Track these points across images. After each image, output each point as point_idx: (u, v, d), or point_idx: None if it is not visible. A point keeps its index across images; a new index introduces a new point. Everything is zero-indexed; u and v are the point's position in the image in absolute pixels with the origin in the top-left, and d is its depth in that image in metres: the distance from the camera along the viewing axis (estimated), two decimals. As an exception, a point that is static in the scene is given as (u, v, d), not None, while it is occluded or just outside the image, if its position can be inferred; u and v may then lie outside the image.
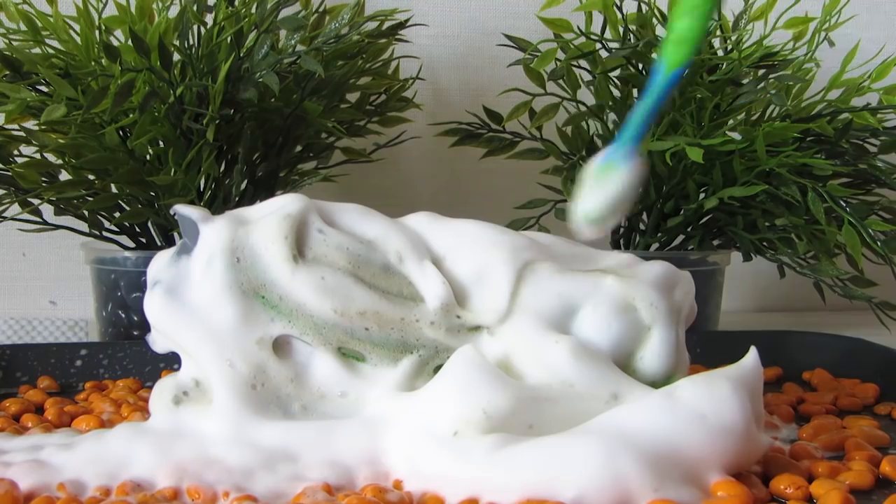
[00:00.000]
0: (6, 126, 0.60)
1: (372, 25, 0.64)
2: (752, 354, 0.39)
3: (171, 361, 0.54)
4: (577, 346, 0.39)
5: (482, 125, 0.70)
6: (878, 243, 0.60)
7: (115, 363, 0.56)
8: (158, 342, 0.42)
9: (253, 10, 0.58)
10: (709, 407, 0.36)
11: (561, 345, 0.39)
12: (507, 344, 0.40)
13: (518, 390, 0.38)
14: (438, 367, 0.41)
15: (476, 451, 0.36)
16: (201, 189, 0.62)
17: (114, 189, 0.62)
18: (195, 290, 0.41)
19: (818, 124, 0.61)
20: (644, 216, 0.70)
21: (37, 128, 0.60)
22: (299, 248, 0.41)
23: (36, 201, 0.60)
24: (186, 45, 0.59)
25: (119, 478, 0.37)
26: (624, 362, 0.41)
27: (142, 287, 0.60)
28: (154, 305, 0.41)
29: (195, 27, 0.60)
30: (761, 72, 0.63)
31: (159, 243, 0.65)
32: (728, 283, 0.72)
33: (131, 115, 0.57)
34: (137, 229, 0.65)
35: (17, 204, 0.60)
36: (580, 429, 0.36)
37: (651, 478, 0.34)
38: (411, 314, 0.41)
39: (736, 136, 0.63)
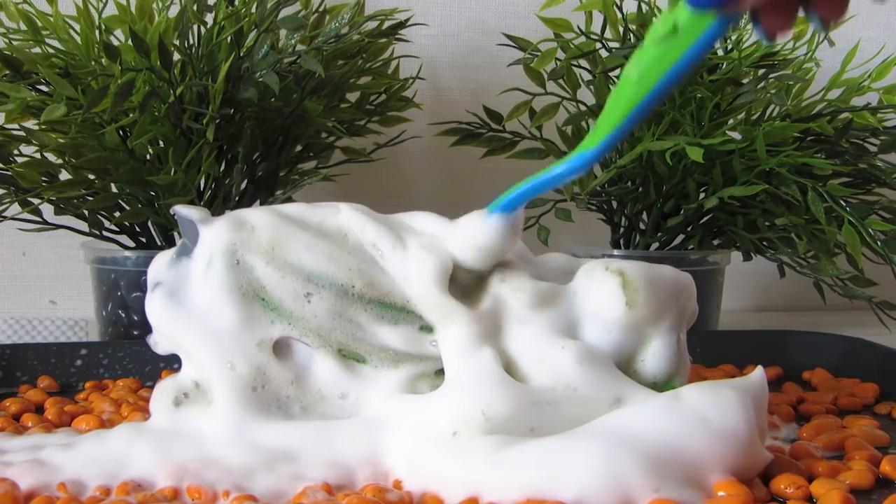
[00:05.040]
0: (6, 126, 0.60)
1: (372, 25, 0.64)
2: (759, 371, 0.39)
3: (171, 361, 0.54)
4: (583, 351, 0.39)
5: (482, 125, 0.70)
6: (878, 243, 0.60)
7: (115, 363, 0.56)
8: (160, 344, 0.42)
9: (253, 10, 0.58)
10: (713, 411, 0.36)
11: (567, 350, 0.39)
12: (515, 348, 0.40)
13: (519, 394, 0.38)
14: (440, 370, 0.41)
15: (476, 452, 0.36)
16: (201, 189, 0.62)
17: (114, 189, 0.62)
18: (196, 292, 0.41)
19: (818, 124, 0.61)
20: (644, 216, 0.70)
21: (37, 127, 0.60)
22: None
23: (36, 201, 0.60)
24: (186, 45, 0.59)
25: (119, 478, 0.37)
26: (626, 364, 0.41)
27: (142, 287, 0.60)
28: (155, 308, 0.41)
29: (195, 27, 0.60)
30: (761, 71, 0.63)
31: (159, 243, 0.65)
32: (728, 282, 0.72)
33: (131, 115, 0.57)
34: (137, 229, 0.65)
35: (17, 203, 0.60)
36: (581, 429, 0.36)
37: (651, 478, 0.34)
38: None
39: (736, 135, 0.63)
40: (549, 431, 0.37)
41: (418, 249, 0.41)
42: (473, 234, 0.41)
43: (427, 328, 0.41)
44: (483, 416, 0.37)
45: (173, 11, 0.60)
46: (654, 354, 0.41)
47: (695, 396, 0.36)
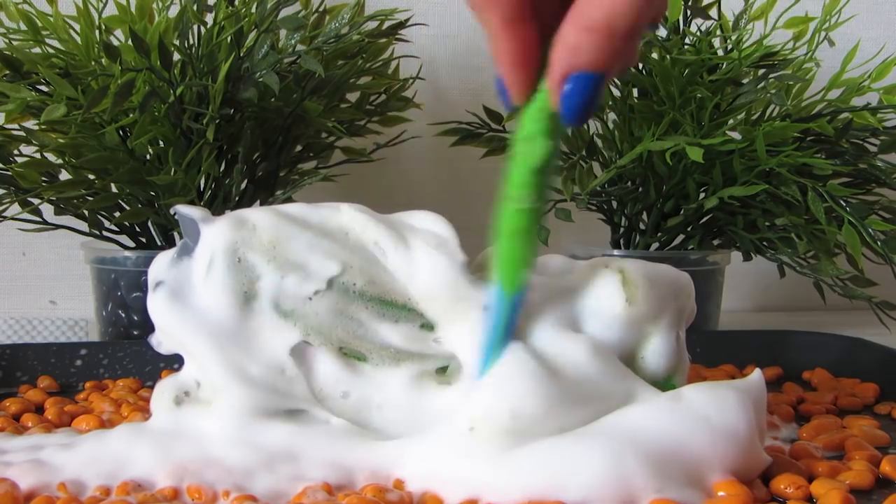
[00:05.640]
0: (6, 126, 0.60)
1: (372, 25, 0.64)
2: (757, 373, 0.39)
3: (172, 361, 0.54)
4: (597, 347, 0.39)
5: (482, 125, 0.70)
6: (878, 243, 0.60)
7: (115, 363, 0.56)
8: (164, 343, 0.42)
9: (253, 10, 0.58)
10: (713, 411, 0.36)
11: (582, 344, 0.39)
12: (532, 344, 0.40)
13: (554, 392, 0.37)
14: (442, 368, 0.41)
15: (482, 452, 0.36)
16: (201, 189, 0.62)
17: (114, 189, 0.62)
18: (198, 291, 0.41)
19: (818, 124, 0.61)
20: (644, 216, 0.70)
21: (37, 127, 0.60)
22: None
23: (36, 201, 0.60)
24: (186, 45, 0.59)
25: (119, 478, 0.37)
26: (626, 362, 0.41)
27: (142, 287, 0.60)
28: (158, 307, 0.41)
29: (195, 27, 0.60)
30: (761, 71, 0.63)
31: (159, 243, 0.65)
32: (728, 282, 0.72)
33: (131, 115, 0.57)
34: (137, 229, 0.65)
35: (17, 203, 0.60)
36: (583, 430, 0.36)
37: (654, 478, 0.34)
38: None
39: (736, 135, 0.63)
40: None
41: (427, 247, 0.41)
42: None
43: (428, 326, 0.41)
44: (511, 414, 0.36)
45: (173, 11, 0.60)
46: (654, 352, 0.41)
47: (695, 396, 0.36)
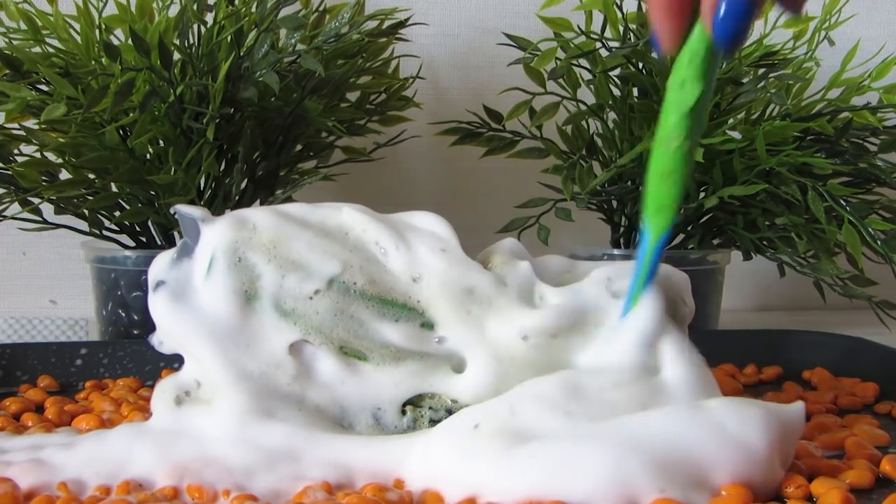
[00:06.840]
0: (6, 125, 0.60)
1: (372, 24, 0.64)
2: (799, 405, 0.38)
3: (171, 361, 0.54)
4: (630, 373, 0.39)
5: (482, 124, 0.70)
6: (878, 242, 0.60)
7: (115, 362, 0.56)
8: (165, 343, 0.42)
9: (253, 9, 0.58)
10: (730, 420, 0.35)
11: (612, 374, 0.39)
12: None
13: (557, 401, 0.37)
14: (442, 366, 0.41)
15: (483, 450, 0.36)
16: (201, 188, 0.62)
17: (114, 188, 0.62)
18: (198, 291, 0.41)
19: (818, 123, 0.61)
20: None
21: (37, 127, 0.60)
22: None
23: (36, 200, 0.60)
24: (186, 44, 0.59)
25: (119, 477, 0.37)
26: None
27: (142, 286, 0.60)
28: (159, 308, 0.41)
29: (195, 26, 0.60)
30: (761, 71, 0.63)
31: (159, 242, 0.65)
32: (728, 282, 0.72)
33: (131, 115, 0.57)
34: (137, 228, 0.65)
35: (17, 203, 0.60)
36: (587, 430, 0.36)
37: (657, 479, 0.33)
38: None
39: (736, 135, 0.63)
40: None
41: (427, 247, 0.41)
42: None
43: (428, 325, 0.41)
44: (511, 411, 0.37)
45: (173, 11, 0.60)
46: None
47: (718, 406, 0.36)
